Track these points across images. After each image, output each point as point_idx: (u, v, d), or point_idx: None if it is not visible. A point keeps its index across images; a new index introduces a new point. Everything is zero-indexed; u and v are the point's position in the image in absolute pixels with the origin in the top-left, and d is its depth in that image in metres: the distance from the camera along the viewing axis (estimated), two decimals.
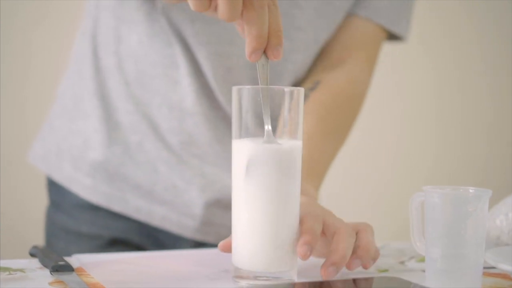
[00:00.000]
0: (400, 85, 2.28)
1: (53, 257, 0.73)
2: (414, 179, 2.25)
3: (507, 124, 2.35)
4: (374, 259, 0.72)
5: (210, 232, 0.99)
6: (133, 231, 1.00)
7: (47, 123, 1.06)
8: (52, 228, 1.05)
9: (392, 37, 1.03)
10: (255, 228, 0.66)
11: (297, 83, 1.01)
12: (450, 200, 0.67)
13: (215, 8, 0.64)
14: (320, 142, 0.90)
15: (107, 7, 0.99)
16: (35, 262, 0.75)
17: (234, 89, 0.68)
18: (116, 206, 0.98)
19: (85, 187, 0.99)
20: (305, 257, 0.66)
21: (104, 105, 0.99)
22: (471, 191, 0.68)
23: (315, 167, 0.88)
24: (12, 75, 1.87)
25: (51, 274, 0.70)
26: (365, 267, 0.71)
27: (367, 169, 2.23)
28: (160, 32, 0.95)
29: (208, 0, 0.64)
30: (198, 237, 0.99)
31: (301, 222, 0.69)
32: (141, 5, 0.96)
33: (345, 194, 2.06)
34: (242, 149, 0.67)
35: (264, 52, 0.66)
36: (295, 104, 0.68)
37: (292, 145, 0.67)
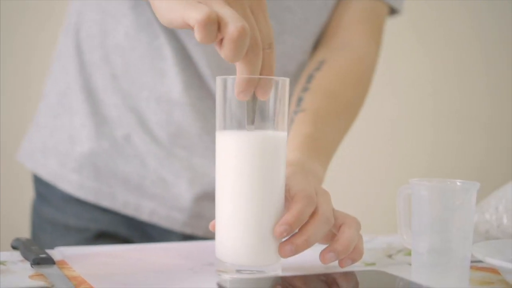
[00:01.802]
0: (396, 81, 2.28)
1: (34, 249, 0.72)
2: (406, 172, 2.24)
3: (502, 119, 2.35)
4: (353, 259, 0.69)
5: (199, 226, 0.98)
6: (121, 224, 0.99)
7: (34, 122, 1.05)
8: (39, 220, 1.03)
9: (391, 11, 1.02)
10: (239, 221, 0.65)
11: (298, 68, 0.99)
12: (437, 193, 0.65)
13: (220, 44, 0.63)
14: (327, 120, 0.88)
15: (91, 1, 0.98)
16: (17, 255, 0.74)
17: (218, 79, 0.67)
18: (104, 201, 0.97)
19: (72, 183, 0.98)
20: (280, 236, 0.65)
21: (91, 100, 0.98)
22: (458, 183, 0.67)
23: (323, 146, 0.85)
24: (13, 74, 1.86)
25: (32, 267, 0.69)
26: (340, 265, 0.69)
27: (355, 161, 2.22)
28: (147, 24, 0.94)
29: (215, 34, 0.61)
30: (187, 230, 0.98)
31: (294, 200, 0.67)
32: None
33: (334, 185, 2.05)
34: (226, 139, 0.66)
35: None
36: (281, 94, 0.67)
37: (277, 135, 0.66)
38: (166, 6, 0.64)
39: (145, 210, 0.97)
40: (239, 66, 0.64)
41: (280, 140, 0.66)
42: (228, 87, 0.66)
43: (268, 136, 0.66)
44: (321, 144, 0.84)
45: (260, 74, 0.65)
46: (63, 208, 1.00)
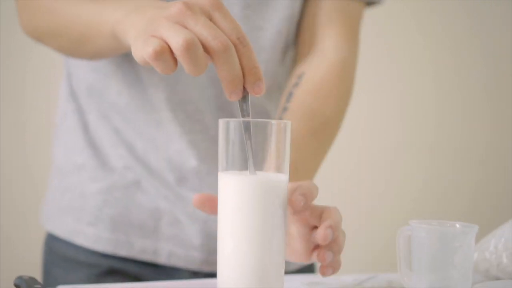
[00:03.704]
0: (393, 111, 2.28)
1: None
2: (404, 208, 2.24)
3: (501, 150, 2.35)
4: (335, 269, 0.71)
5: (215, 262, 0.98)
6: (132, 263, 0.98)
7: (48, 185, 1.06)
8: (51, 256, 1.03)
9: (368, 3, 1.02)
10: (239, 262, 0.66)
11: (283, 82, 1.00)
12: (436, 236, 0.66)
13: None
14: (306, 145, 0.88)
15: (82, 63, 1.00)
16: None
17: (221, 121, 0.68)
18: (122, 251, 0.97)
19: (88, 236, 0.97)
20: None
21: (97, 154, 0.99)
22: (457, 226, 0.68)
23: (303, 176, 0.86)
24: (13, 75, 1.87)
25: None
26: (333, 269, 0.70)
27: (355, 198, 2.22)
28: (135, 79, 0.96)
29: (173, 62, 0.63)
30: (206, 268, 0.98)
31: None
32: (112, 57, 0.96)
33: None
34: (228, 181, 0.67)
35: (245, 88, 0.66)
36: (282, 136, 0.67)
37: (278, 178, 0.67)
38: (133, 49, 0.66)
39: (163, 253, 0.97)
40: (217, 70, 0.64)
41: (281, 183, 0.67)
42: (230, 130, 0.67)
43: (269, 179, 0.66)
44: (302, 173, 0.85)
45: (244, 72, 0.65)
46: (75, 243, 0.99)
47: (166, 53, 0.62)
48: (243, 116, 0.67)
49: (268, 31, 0.97)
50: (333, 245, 0.69)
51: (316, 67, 0.95)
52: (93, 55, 0.92)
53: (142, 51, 0.63)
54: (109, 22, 0.78)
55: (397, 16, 2.20)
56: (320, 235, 0.67)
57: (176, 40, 0.61)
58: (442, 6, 2.27)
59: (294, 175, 0.82)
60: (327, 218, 0.68)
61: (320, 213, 0.70)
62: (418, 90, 2.29)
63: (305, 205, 0.68)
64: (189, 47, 0.61)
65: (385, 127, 2.26)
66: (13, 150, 1.88)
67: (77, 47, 0.90)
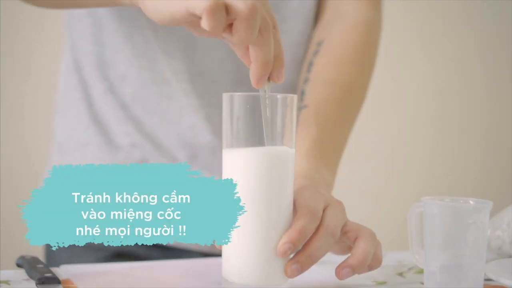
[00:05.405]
0: (398, 92, 2.26)
1: (39, 268, 0.71)
2: (414, 185, 2.22)
3: (507, 130, 2.33)
4: (371, 267, 0.69)
5: None
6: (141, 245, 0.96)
7: (47, 162, 1.02)
8: None
9: None
10: (245, 239, 0.64)
11: (304, 54, 0.97)
12: (449, 212, 0.64)
13: (229, 31, 0.62)
14: (331, 116, 0.85)
15: (86, 34, 0.96)
16: (21, 274, 0.73)
17: (225, 96, 0.66)
18: None
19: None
20: (284, 255, 0.64)
21: (102, 131, 0.95)
22: (471, 202, 0.65)
23: (330, 148, 0.83)
24: (12, 74, 1.86)
25: (37, 286, 0.68)
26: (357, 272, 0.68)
27: (365, 176, 2.20)
28: (145, 50, 0.93)
29: (224, 19, 0.61)
30: (217, 250, 0.96)
31: (297, 216, 0.65)
32: (119, 26, 0.93)
33: (343, 200, 2.04)
34: (233, 157, 0.65)
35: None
36: (289, 111, 0.66)
37: (285, 151, 0.65)
38: (164, 2, 0.63)
39: None
40: (254, 50, 0.62)
41: (288, 157, 0.65)
42: (235, 104, 0.65)
43: (276, 153, 0.65)
44: (328, 146, 0.82)
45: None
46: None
47: (223, 11, 0.60)
48: (264, 102, 0.64)
49: (291, 0, 0.94)
50: (372, 262, 0.68)
51: (336, 33, 0.92)
52: (67, 3, 0.85)
53: (190, 2, 0.60)
54: None
55: (396, 14, 2.18)
56: (339, 274, 0.66)
57: (245, 2, 0.59)
58: (442, 5, 2.24)
59: (320, 149, 0.79)
60: (351, 258, 0.66)
61: (354, 238, 0.68)
62: (420, 71, 2.27)
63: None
64: (256, 12, 0.60)
65: (389, 108, 2.23)
66: (12, 135, 1.86)
67: None
